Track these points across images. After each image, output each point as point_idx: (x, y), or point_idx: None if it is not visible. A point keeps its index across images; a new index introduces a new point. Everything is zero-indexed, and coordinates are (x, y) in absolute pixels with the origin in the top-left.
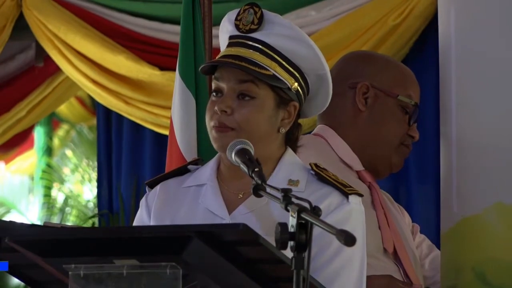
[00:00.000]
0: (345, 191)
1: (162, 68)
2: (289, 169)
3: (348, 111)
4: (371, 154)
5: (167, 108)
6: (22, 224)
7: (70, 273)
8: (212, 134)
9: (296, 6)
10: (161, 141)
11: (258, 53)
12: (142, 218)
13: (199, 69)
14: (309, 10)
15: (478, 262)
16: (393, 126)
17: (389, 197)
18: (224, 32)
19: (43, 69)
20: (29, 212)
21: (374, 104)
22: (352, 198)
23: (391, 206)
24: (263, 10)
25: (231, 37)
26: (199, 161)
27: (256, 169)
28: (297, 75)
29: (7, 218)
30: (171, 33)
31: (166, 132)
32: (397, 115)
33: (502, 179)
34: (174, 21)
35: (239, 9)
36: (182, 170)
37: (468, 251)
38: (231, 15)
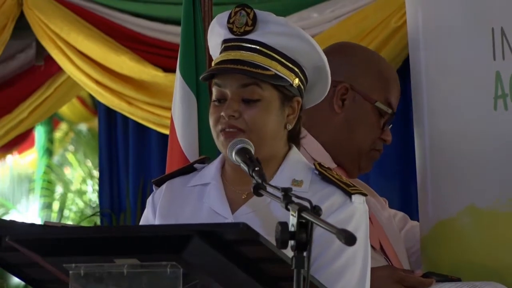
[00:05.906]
0: (348, 190)
1: (165, 69)
2: (293, 169)
3: (323, 110)
4: (341, 156)
5: (169, 109)
6: (22, 223)
7: (70, 272)
8: (220, 139)
9: (298, 8)
10: (166, 141)
11: (257, 54)
12: (147, 217)
13: (200, 78)
14: (311, 12)
15: (455, 265)
16: (366, 131)
17: (368, 188)
18: (215, 36)
19: (44, 69)
20: (29, 212)
21: (350, 107)
22: (356, 197)
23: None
24: (255, 10)
25: (225, 41)
26: (206, 160)
27: (256, 168)
28: (296, 70)
29: (7, 217)
30: (174, 34)
31: (168, 132)
32: (371, 120)
33: (474, 182)
34: (176, 22)
35: (229, 12)
36: (189, 169)
37: (446, 254)
38: (221, 19)
